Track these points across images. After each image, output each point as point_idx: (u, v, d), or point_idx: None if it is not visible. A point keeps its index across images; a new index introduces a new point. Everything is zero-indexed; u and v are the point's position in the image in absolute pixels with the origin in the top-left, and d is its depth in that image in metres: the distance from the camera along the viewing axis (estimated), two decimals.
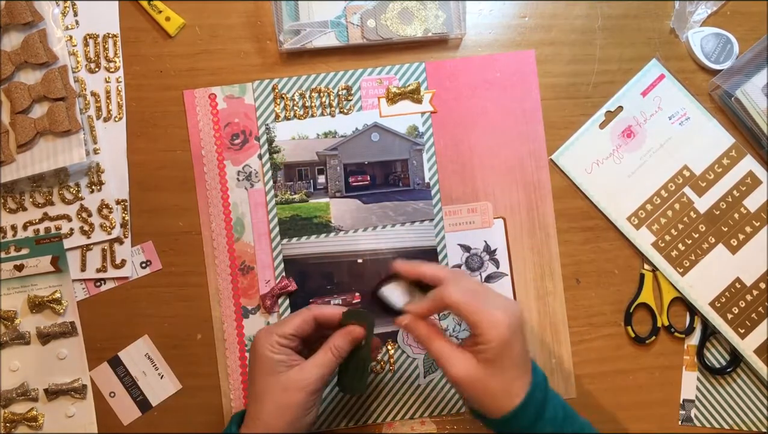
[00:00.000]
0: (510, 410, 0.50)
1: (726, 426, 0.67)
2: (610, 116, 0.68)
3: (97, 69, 0.68)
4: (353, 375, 0.57)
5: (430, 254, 0.67)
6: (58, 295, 0.66)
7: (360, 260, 0.67)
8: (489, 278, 0.67)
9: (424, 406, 0.66)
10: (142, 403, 0.66)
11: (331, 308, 0.57)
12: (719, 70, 0.68)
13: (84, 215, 0.67)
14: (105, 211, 0.67)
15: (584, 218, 0.68)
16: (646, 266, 0.67)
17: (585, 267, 0.68)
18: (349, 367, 0.57)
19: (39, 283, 0.66)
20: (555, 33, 0.69)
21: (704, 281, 0.66)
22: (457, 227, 0.67)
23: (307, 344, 0.57)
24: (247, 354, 0.66)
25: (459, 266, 0.67)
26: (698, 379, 0.67)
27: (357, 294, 0.67)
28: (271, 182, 0.67)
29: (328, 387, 0.66)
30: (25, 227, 0.67)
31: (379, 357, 0.66)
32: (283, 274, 0.66)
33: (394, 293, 0.57)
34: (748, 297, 0.66)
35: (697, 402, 0.67)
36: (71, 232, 0.67)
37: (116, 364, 0.66)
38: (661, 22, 0.70)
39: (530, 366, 0.52)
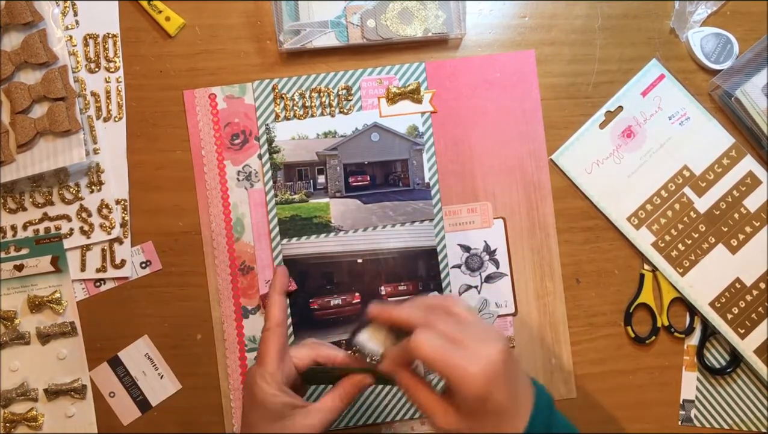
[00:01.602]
0: None
1: (726, 426, 0.66)
2: (610, 115, 0.68)
3: (97, 69, 0.68)
4: (320, 379, 0.56)
5: (429, 255, 0.67)
6: (58, 295, 0.66)
7: (360, 260, 0.67)
8: (489, 278, 0.67)
9: None
10: (142, 403, 0.66)
11: (336, 352, 0.55)
12: (719, 70, 0.68)
13: (84, 215, 0.67)
14: (105, 211, 0.67)
15: (584, 218, 0.68)
16: (646, 266, 0.67)
17: (585, 267, 0.68)
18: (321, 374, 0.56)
19: (39, 283, 0.66)
20: (555, 33, 0.69)
21: (704, 282, 0.66)
22: (457, 227, 0.67)
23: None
24: (247, 354, 0.66)
25: (459, 266, 0.67)
26: (698, 379, 0.67)
27: (357, 294, 0.67)
28: (271, 182, 0.67)
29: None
30: (25, 227, 0.67)
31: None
32: None
33: (369, 341, 0.52)
34: (748, 297, 0.66)
35: (697, 403, 0.67)
36: (71, 232, 0.67)
37: (116, 364, 0.66)
38: (661, 22, 0.70)
39: (527, 399, 0.47)
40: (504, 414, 0.45)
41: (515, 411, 0.46)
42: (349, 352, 0.55)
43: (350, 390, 0.53)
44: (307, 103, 0.68)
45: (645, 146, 0.68)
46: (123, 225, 0.67)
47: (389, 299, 0.67)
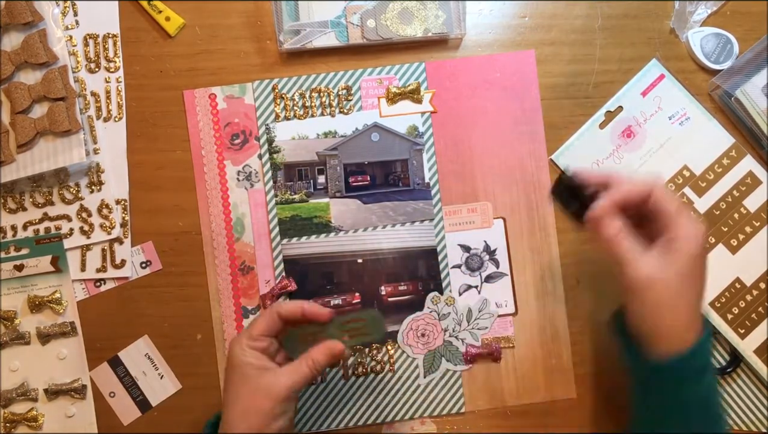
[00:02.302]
0: (686, 348, 0.47)
1: (726, 427, 0.66)
2: (610, 115, 0.68)
3: (97, 69, 0.68)
4: (302, 343, 0.56)
5: (429, 255, 0.67)
6: (58, 295, 0.66)
7: (360, 260, 0.67)
8: (489, 278, 0.67)
9: (424, 406, 0.66)
10: (142, 403, 0.66)
11: (293, 303, 0.56)
12: (719, 70, 0.68)
13: (84, 215, 0.67)
14: (105, 211, 0.67)
15: None
16: None
17: (585, 267, 0.67)
18: (303, 334, 0.56)
19: (39, 283, 0.66)
20: (555, 33, 0.69)
21: None
22: (457, 227, 0.67)
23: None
24: None
25: (459, 266, 0.67)
26: None
27: (357, 294, 0.67)
28: (271, 182, 0.67)
29: (330, 386, 0.66)
30: (25, 227, 0.67)
31: (379, 357, 0.66)
32: (283, 274, 0.66)
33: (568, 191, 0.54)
34: (748, 297, 0.66)
35: None
36: (71, 232, 0.67)
37: (116, 364, 0.66)
38: (661, 22, 0.70)
39: (700, 318, 0.50)
40: (699, 298, 0.50)
41: (700, 308, 0.50)
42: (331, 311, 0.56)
43: (320, 357, 0.54)
44: (307, 103, 0.68)
45: (645, 146, 0.68)
46: (123, 225, 0.67)
47: (389, 299, 0.67)
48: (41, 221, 0.67)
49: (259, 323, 0.55)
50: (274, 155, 0.67)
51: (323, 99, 0.68)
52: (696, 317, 0.49)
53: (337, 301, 0.66)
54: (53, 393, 0.65)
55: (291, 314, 0.55)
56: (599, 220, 0.51)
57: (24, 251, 0.66)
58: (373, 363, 0.66)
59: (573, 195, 0.54)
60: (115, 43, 0.68)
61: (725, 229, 0.67)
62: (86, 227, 0.67)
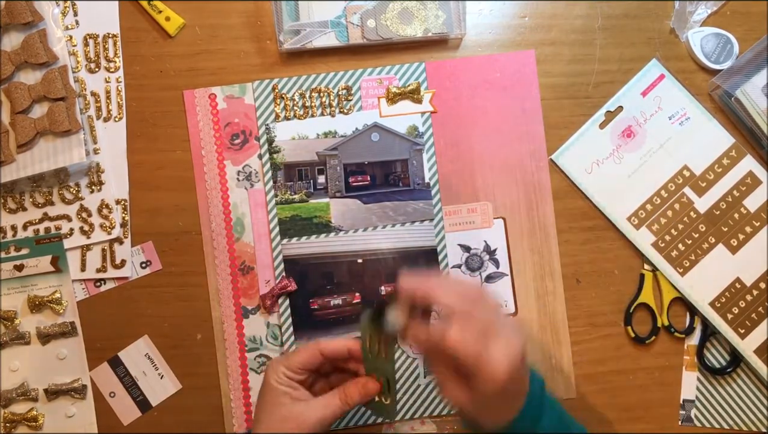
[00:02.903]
0: (503, 423, 0.48)
1: (726, 426, 0.66)
2: (610, 115, 0.68)
3: (97, 69, 0.68)
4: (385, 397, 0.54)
5: (430, 255, 0.67)
6: (58, 295, 0.66)
7: (360, 260, 0.67)
8: (489, 278, 0.67)
9: (424, 406, 0.66)
10: (142, 403, 0.66)
11: (338, 342, 0.55)
12: (719, 70, 0.68)
13: (84, 215, 0.67)
14: (105, 211, 0.67)
15: (584, 218, 0.68)
16: (646, 266, 0.67)
17: (585, 267, 0.68)
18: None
19: (39, 283, 0.66)
20: (555, 33, 0.69)
21: (704, 281, 0.66)
22: (457, 227, 0.67)
23: (326, 376, 0.57)
24: (247, 354, 0.66)
25: (459, 266, 0.67)
26: (698, 379, 0.67)
27: (357, 294, 0.67)
28: (271, 182, 0.67)
29: None
30: (25, 227, 0.67)
31: None
32: (283, 274, 0.66)
33: (391, 314, 0.50)
34: (748, 297, 0.66)
35: (697, 402, 0.67)
36: (71, 232, 0.67)
37: (116, 364, 0.66)
38: (661, 22, 0.70)
39: (527, 379, 0.50)
40: (513, 396, 0.49)
41: (522, 387, 0.49)
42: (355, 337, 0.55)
43: (353, 393, 0.54)
44: (307, 103, 0.68)
45: (645, 146, 0.68)
46: (123, 225, 0.67)
47: None
48: (41, 221, 0.67)
49: (300, 356, 0.54)
50: (274, 155, 0.67)
51: (323, 99, 0.68)
52: (509, 407, 0.49)
53: (337, 301, 0.66)
54: (53, 393, 0.65)
55: (336, 353, 0.55)
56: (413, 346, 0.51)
57: (24, 251, 0.66)
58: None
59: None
60: (115, 43, 0.68)
61: (725, 229, 0.67)
62: (86, 227, 0.67)
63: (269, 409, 0.53)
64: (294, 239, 0.67)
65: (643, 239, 0.67)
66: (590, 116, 0.68)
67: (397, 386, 0.66)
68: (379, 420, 0.66)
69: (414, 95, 0.68)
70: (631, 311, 0.67)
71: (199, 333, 0.66)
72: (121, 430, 0.66)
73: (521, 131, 0.68)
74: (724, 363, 0.67)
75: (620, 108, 0.68)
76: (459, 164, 0.68)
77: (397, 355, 0.66)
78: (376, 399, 0.55)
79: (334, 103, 0.68)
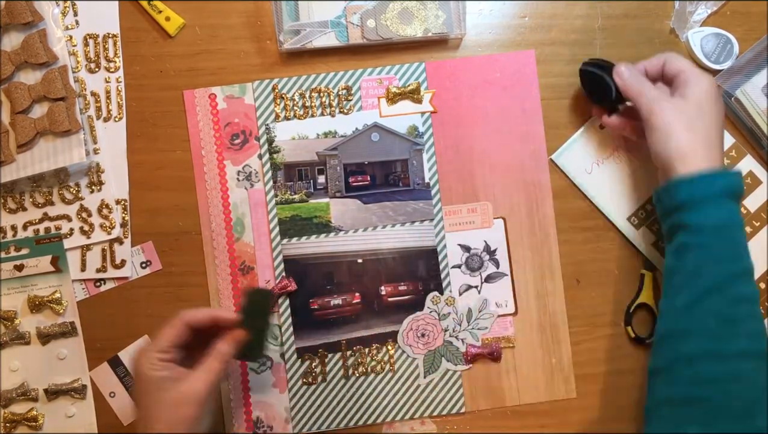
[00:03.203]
0: (697, 172, 0.54)
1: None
2: None
3: (97, 69, 0.68)
4: (252, 345, 0.58)
5: (430, 255, 0.67)
6: (58, 295, 0.66)
7: (360, 260, 0.67)
8: (489, 278, 0.67)
9: (424, 406, 0.66)
10: None
11: (200, 310, 0.57)
12: (719, 70, 0.68)
13: (84, 215, 0.67)
14: (105, 211, 0.67)
15: (584, 218, 0.68)
16: (646, 266, 0.67)
17: (585, 267, 0.68)
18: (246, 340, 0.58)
19: (39, 283, 0.66)
20: (555, 33, 0.69)
21: None
22: (457, 227, 0.67)
23: (190, 351, 0.57)
24: None
25: (459, 266, 0.67)
26: None
27: (357, 294, 0.67)
28: (271, 182, 0.67)
29: (330, 386, 0.66)
30: (25, 227, 0.67)
31: (379, 357, 0.66)
32: (283, 274, 0.66)
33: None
34: None
35: None
36: (71, 232, 0.67)
37: (116, 364, 0.66)
38: (661, 22, 0.70)
39: (721, 153, 0.57)
40: (710, 137, 0.56)
41: (716, 148, 0.57)
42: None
43: (226, 349, 0.55)
44: (307, 103, 0.68)
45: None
46: (123, 225, 0.67)
47: (389, 299, 0.67)
48: (41, 221, 0.67)
49: (167, 335, 0.55)
50: (274, 155, 0.67)
51: (323, 99, 0.68)
52: (707, 153, 0.55)
53: (337, 301, 0.66)
54: (53, 393, 0.65)
55: (200, 322, 0.56)
56: (624, 77, 0.60)
57: (24, 251, 0.66)
58: (374, 363, 0.66)
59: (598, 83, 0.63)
60: (115, 43, 0.68)
61: None
62: (86, 227, 0.67)
63: (155, 399, 0.52)
64: (294, 239, 0.67)
65: (643, 239, 0.67)
66: (590, 115, 0.68)
67: (397, 385, 0.66)
68: (380, 419, 0.66)
69: (414, 95, 0.68)
70: (631, 311, 0.67)
71: None
72: (121, 430, 0.66)
73: (521, 131, 0.68)
74: None
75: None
76: (459, 164, 0.68)
77: (397, 355, 0.66)
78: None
79: (334, 104, 0.68)
